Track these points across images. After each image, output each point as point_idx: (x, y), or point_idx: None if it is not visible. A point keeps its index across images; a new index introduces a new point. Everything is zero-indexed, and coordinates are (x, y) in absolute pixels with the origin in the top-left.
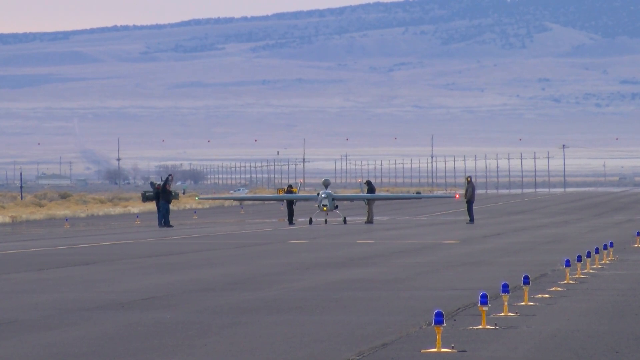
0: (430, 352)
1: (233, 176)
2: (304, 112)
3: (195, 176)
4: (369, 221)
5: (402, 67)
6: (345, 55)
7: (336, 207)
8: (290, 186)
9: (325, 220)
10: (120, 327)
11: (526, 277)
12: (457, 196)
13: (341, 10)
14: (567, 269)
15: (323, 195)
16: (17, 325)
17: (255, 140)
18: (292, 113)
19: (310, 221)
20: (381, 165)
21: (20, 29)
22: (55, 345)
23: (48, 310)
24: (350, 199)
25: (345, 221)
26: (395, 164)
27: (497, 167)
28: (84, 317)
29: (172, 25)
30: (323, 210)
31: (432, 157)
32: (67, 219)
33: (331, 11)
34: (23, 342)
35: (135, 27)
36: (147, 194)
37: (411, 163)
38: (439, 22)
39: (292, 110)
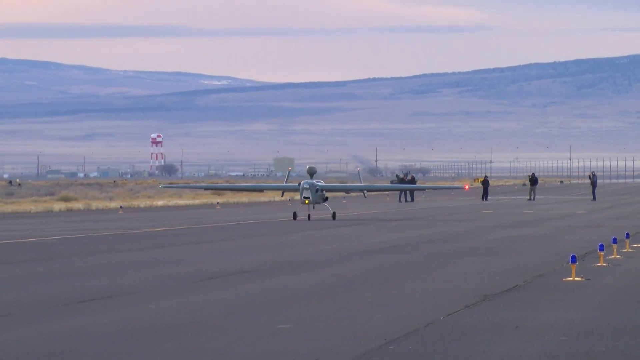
0: (568, 280)
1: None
2: (493, 130)
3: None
4: (531, 199)
5: (552, 104)
6: (516, 96)
7: (325, 199)
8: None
9: (309, 216)
10: (374, 264)
11: (627, 234)
12: (467, 187)
13: (514, 68)
14: None
15: (305, 186)
16: (312, 264)
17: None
18: (483, 131)
19: (295, 216)
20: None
21: (314, 79)
22: (338, 275)
23: (330, 255)
24: (338, 189)
25: (334, 217)
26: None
27: None
28: (354, 258)
29: (410, 77)
30: (305, 203)
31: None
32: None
33: (510, 68)
34: (317, 274)
35: (383, 79)
36: (393, 181)
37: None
38: (575, 75)
39: (483, 129)
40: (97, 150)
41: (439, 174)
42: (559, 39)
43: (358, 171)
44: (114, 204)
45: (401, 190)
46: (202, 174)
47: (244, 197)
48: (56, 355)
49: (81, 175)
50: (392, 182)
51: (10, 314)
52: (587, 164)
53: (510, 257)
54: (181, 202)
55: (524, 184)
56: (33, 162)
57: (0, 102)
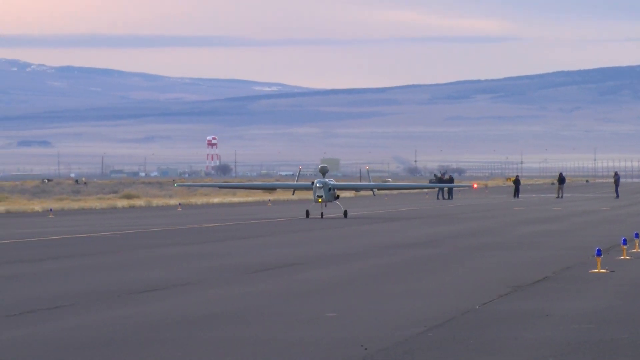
0: (594, 272)
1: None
2: (522, 133)
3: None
4: (559, 197)
5: (576, 109)
6: (543, 101)
7: (337, 197)
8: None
9: (322, 214)
10: (410, 257)
11: None
12: (475, 186)
13: (541, 76)
14: None
15: (318, 185)
16: (351, 257)
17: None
18: (513, 134)
19: (307, 214)
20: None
21: (357, 86)
22: (376, 266)
23: (367, 248)
24: (351, 188)
25: (346, 215)
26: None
27: None
28: (389, 252)
29: (446, 84)
30: (318, 201)
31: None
32: (374, 194)
33: (538, 76)
34: (356, 266)
35: (421, 85)
36: (431, 180)
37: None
38: (598, 82)
39: (514, 132)
40: (156, 151)
41: (474, 174)
42: (583, 49)
43: (367, 170)
44: (173, 201)
45: (439, 189)
46: (255, 174)
47: (294, 195)
48: (115, 341)
49: (142, 174)
50: (430, 181)
51: (75, 304)
52: (610, 164)
53: (540, 250)
54: (235, 199)
55: (552, 183)
56: (98, 163)
57: (66, 107)
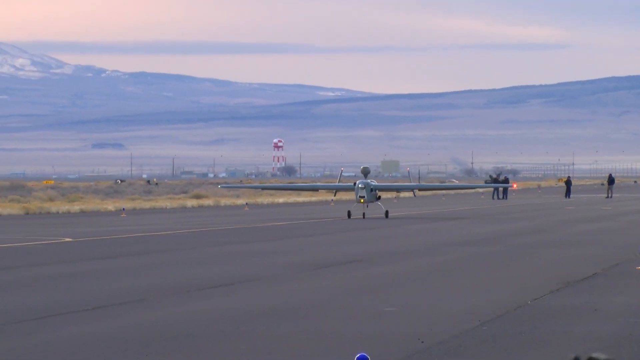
0: None
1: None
2: (574, 136)
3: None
4: (609, 197)
5: (627, 113)
6: (594, 106)
7: (378, 198)
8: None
9: (364, 215)
10: (466, 254)
11: None
12: (515, 186)
13: (592, 81)
14: None
15: (360, 186)
16: (410, 254)
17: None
18: (566, 137)
19: (349, 215)
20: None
21: (416, 91)
22: (434, 264)
23: (425, 247)
24: (392, 189)
25: (387, 215)
26: None
27: None
28: (448, 250)
29: (502, 89)
30: (360, 202)
31: None
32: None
33: (590, 81)
34: (415, 263)
35: (477, 90)
36: (486, 181)
37: None
38: None
39: (566, 135)
40: (225, 153)
41: (528, 175)
42: (633, 55)
43: (408, 171)
44: (240, 201)
45: (494, 189)
46: (319, 175)
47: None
48: (187, 335)
49: (211, 175)
50: (486, 182)
51: (144, 299)
52: None
53: (590, 248)
54: (299, 199)
55: (602, 184)
56: (168, 164)
57: (139, 111)
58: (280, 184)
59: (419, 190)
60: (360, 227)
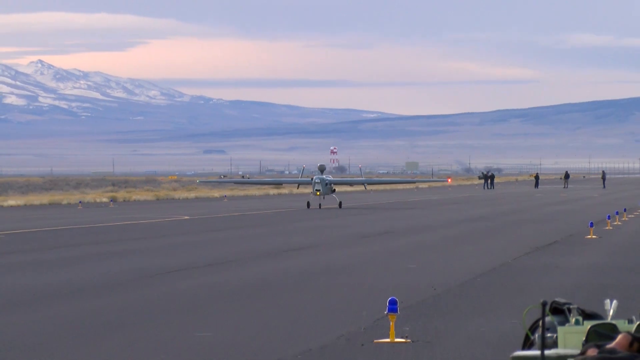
0: (588, 237)
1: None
2: (539, 146)
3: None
4: (566, 187)
5: (578, 129)
6: (556, 123)
7: (333, 191)
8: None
9: (320, 205)
10: (465, 229)
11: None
12: (450, 181)
13: (554, 106)
14: None
15: (316, 180)
16: (430, 228)
17: None
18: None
19: (308, 205)
20: None
21: (431, 113)
22: (446, 235)
23: (439, 222)
24: (344, 183)
25: (340, 206)
26: None
27: None
28: (453, 225)
29: (491, 112)
30: (316, 194)
31: None
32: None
33: (553, 106)
34: (433, 235)
35: (472, 113)
36: (479, 177)
37: None
38: None
39: (531, 144)
40: (296, 157)
41: (508, 172)
42: (583, 87)
43: (360, 168)
44: (307, 190)
45: (484, 181)
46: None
47: (381, 187)
48: (267, 285)
49: (286, 172)
50: (479, 177)
51: (240, 259)
52: None
53: (553, 224)
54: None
55: (560, 178)
56: (256, 164)
57: (236, 127)
58: (250, 179)
59: (368, 184)
60: (392, 208)
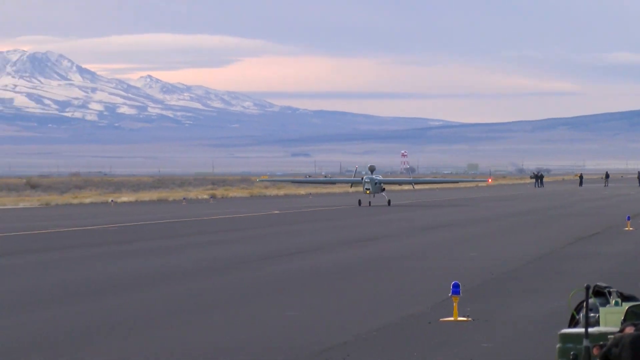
0: (626, 229)
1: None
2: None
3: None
4: (606, 186)
5: (616, 135)
6: (599, 130)
7: (383, 189)
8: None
9: (369, 203)
10: (517, 221)
11: None
12: (490, 181)
13: (593, 116)
14: None
15: (366, 180)
16: (477, 221)
17: None
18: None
19: (360, 203)
20: None
21: (488, 121)
22: (499, 226)
23: (493, 215)
24: (394, 182)
25: (389, 203)
26: None
27: None
28: (507, 218)
29: (541, 120)
30: (366, 193)
31: None
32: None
33: (592, 116)
34: (481, 228)
35: (525, 121)
36: (530, 176)
37: None
38: None
39: (576, 149)
40: (371, 159)
41: (556, 172)
42: None
43: (406, 168)
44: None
45: (535, 179)
46: (428, 172)
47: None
48: (346, 269)
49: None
50: (530, 177)
51: (321, 248)
52: None
53: (595, 217)
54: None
55: (601, 178)
56: (337, 165)
57: (319, 134)
58: (306, 179)
59: (415, 184)
60: (450, 205)
